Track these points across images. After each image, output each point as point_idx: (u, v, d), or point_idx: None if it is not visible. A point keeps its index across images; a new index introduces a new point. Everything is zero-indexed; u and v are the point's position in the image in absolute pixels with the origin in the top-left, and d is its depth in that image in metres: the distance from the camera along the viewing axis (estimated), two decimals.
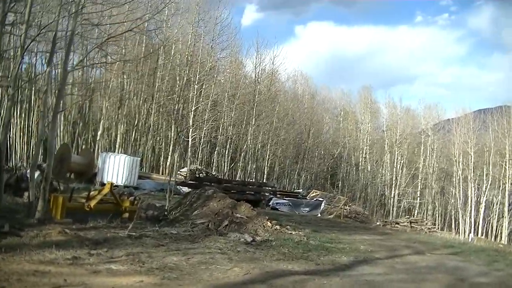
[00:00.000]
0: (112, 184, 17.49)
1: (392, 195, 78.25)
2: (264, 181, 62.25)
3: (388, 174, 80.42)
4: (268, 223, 18.42)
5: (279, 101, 72.76)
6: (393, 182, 79.29)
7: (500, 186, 70.67)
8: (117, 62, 44.25)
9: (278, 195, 44.66)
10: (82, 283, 8.60)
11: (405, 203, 78.00)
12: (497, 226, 69.41)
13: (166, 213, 18.84)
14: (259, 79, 68.15)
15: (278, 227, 18.63)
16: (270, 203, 39.97)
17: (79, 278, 8.92)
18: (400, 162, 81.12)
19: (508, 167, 69.09)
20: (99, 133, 53.16)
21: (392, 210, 76.32)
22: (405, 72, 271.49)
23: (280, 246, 15.53)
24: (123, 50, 49.56)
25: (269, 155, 68.39)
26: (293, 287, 10.57)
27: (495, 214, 69.95)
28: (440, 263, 18.27)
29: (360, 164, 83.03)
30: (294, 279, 11.31)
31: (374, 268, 14.95)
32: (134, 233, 14.24)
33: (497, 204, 70.22)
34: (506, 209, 67.65)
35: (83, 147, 50.36)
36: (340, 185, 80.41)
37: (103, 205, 16.55)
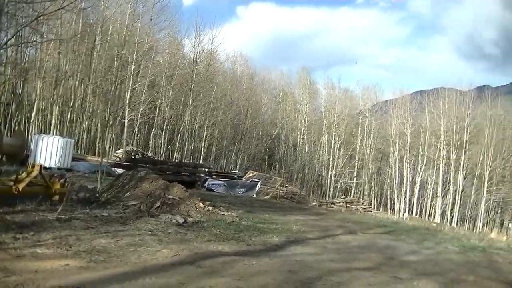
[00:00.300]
0: (41, 166, 17.17)
1: (329, 176, 78.96)
2: (201, 162, 62.15)
3: (326, 154, 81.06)
4: (201, 204, 18.38)
5: (217, 82, 72.66)
6: (330, 162, 79.97)
7: (434, 166, 72.27)
8: (52, 42, 43.53)
9: (214, 176, 44.57)
10: (3, 268, 8.41)
11: (342, 183, 78.86)
12: (431, 206, 71.02)
13: (97, 195, 18.57)
14: (197, 60, 67.95)
15: (210, 208, 18.61)
16: (206, 184, 39.90)
17: (1, 263, 8.72)
18: (338, 143, 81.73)
19: (443, 147, 70.60)
20: (33, 114, 52.14)
21: (329, 190, 77.07)
22: (346, 54, 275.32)
23: (211, 227, 15.47)
24: (59, 29, 48.77)
25: (206, 136, 68.39)
26: (222, 267, 10.57)
27: (429, 194, 71.52)
28: (371, 242, 18.56)
29: (298, 145, 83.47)
30: (224, 260, 11.31)
31: (306, 248, 15.08)
32: (63, 216, 13.96)
33: (431, 184, 71.79)
34: (440, 188, 69.23)
35: (16, 129, 49.45)
36: (277, 166, 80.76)
37: (32, 188, 16.14)
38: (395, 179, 72.99)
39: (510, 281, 14.97)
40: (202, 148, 68.09)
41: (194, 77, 65.48)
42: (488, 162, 69.57)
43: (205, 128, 67.83)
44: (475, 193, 70.74)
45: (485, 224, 68.68)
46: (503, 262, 18.48)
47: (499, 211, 75.10)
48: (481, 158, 70.49)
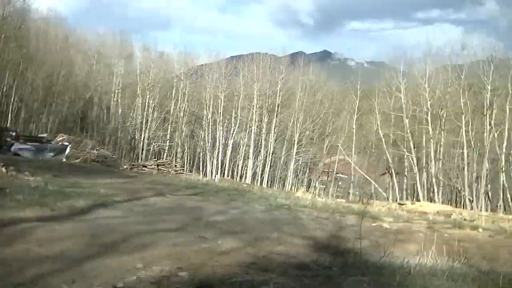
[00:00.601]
0: None
1: (142, 139, 78.19)
2: (8, 126, 59.61)
3: (139, 117, 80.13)
4: (3, 169, 17.82)
5: (29, 41, 69.83)
6: (144, 125, 79.21)
7: (247, 129, 73.78)
8: None
9: (21, 140, 42.94)
10: None
11: (155, 146, 78.40)
12: (242, 167, 72.66)
13: None
14: (8, 17, 65.05)
15: (14, 173, 18.08)
16: (12, 148, 38.45)
17: None
18: (152, 106, 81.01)
19: (256, 111, 72.19)
20: None
21: (142, 153, 76.31)
22: (162, 17, 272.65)
23: (14, 193, 14.94)
24: None
25: (15, 98, 65.66)
26: (22, 235, 10.36)
27: (241, 156, 73.07)
28: (179, 204, 18.89)
29: (111, 107, 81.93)
30: (25, 226, 11.06)
31: (112, 211, 15.08)
32: None
33: (243, 146, 73.34)
34: (251, 150, 70.94)
35: None
36: (90, 129, 78.99)
37: None
38: (208, 141, 73.79)
39: (312, 236, 15.82)
40: (11, 111, 65.33)
41: (3, 35, 62.54)
42: (298, 125, 72.06)
43: (14, 90, 65.07)
44: (285, 154, 73.24)
45: (294, 184, 71.43)
46: (306, 219, 19.52)
47: (308, 171, 78.44)
48: (292, 121, 72.93)
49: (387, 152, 64.22)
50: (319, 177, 78.39)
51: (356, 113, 72.11)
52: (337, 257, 11.41)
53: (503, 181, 54.24)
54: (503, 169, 54.29)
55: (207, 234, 13.10)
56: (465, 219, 31.24)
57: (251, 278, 8.33)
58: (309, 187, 71.42)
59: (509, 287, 8.48)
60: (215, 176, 63.02)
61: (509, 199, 53.82)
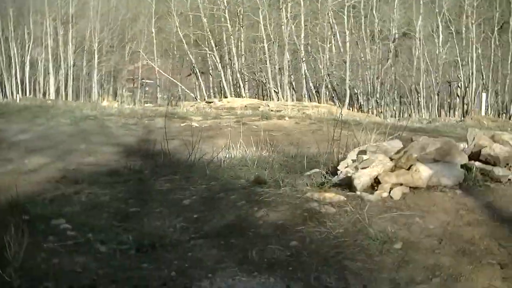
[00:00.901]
0: None
1: None
2: None
3: None
4: None
5: None
6: None
7: (43, 44, 70.79)
8: None
9: None
10: None
11: None
12: (44, 83, 70.05)
13: None
14: None
15: None
16: None
17: None
18: None
19: (49, 24, 69.41)
20: None
21: None
22: None
23: None
24: None
25: None
26: None
27: (41, 72, 70.33)
28: None
29: None
30: None
31: None
32: None
33: (41, 61, 70.56)
34: (51, 65, 68.47)
35: None
36: None
37: None
38: (3, 61, 70.15)
39: (121, 143, 15.72)
40: None
41: None
42: (96, 34, 70.26)
43: None
44: (87, 65, 71.26)
45: (101, 94, 70.05)
46: (114, 127, 19.34)
47: (112, 80, 76.89)
48: (89, 31, 70.88)
49: (189, 53, 64.47)
50: (124, 84, 77.55)
51: (153, 17, 71.41)
52: (147, 160, 11.43)
53: (304, 70, 56.83)
54: (304, 59, 56.62)
55: (11, 155, 12.64)
56: (272, 110, 32.40)
57: (61, 192, 8.16)
58: (116, 96, 70.73)
59: (314, 166, 8.84)
60: (16, 96, 60.68)
61: (312, 88, 56.62)
